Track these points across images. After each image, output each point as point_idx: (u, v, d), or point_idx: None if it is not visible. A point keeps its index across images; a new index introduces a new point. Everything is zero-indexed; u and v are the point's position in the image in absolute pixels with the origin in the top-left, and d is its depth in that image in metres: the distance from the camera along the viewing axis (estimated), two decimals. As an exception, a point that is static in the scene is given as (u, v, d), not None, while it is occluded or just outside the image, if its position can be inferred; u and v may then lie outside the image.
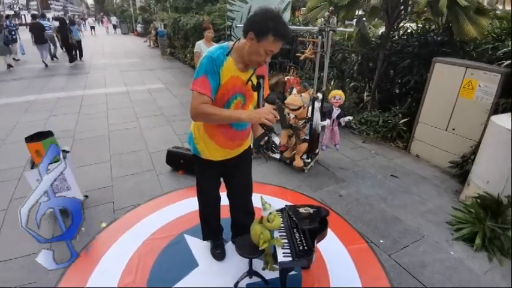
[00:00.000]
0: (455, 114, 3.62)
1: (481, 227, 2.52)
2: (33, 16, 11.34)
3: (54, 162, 2.23)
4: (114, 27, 29.31)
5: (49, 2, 51.34)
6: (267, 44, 1.52)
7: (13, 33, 10.63)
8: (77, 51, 11.54)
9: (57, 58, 11.85)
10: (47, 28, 10.41)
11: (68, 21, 11.29)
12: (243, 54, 1.61)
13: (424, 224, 2.79)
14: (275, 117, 1.55)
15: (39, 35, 9.94)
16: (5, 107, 6.07)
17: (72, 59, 10.94)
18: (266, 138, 1.68)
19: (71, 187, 2.66)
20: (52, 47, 11.59)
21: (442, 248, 2.50)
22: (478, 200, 2.73)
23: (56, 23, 11.60)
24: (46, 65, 10.29)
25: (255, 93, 1.71)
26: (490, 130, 2.85)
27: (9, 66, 9.85)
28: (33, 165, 2.59)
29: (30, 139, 2.53)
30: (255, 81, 1.68)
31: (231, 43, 1.68)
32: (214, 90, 1.61)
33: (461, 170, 3.48)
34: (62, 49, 12.13)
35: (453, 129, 3.66)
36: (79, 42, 11.47)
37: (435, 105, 3.81)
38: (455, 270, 2.29)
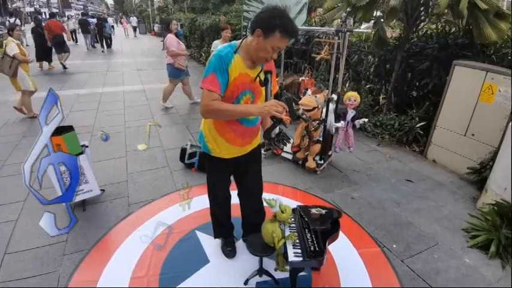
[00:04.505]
0: (474, 119, 3.53)
1: (496, 234, 2.46)
2: (83, 14, 16.89)
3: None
4: (134, 29, 25.58)
5: (70, 1, 52.89)
6: (274, 40, 1.54)
7: None
8: (107, 42, 15.57)
9: (94, 47, 15.85)
10: (91, 23, 14.75)
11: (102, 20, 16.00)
12: (250, 51, 1.63)
13: (439, 230, 2.73)
14: (284, 108, 1.55)
15: (84, 28, 14.63)
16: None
17: (104, 46, 15.35)
18: (277, 130, 1.68)
19: (89, 180, 2.75)
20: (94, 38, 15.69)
21: (457, 255, 2.44)
22: (495, 208, 2.65)
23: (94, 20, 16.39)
24: (88, 49, 15.07)
25: (263, 89, 1.72)
26: (508, 136, 2.76)
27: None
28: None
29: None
30: (262, 77, 1.70)
31: (238, 41, 1.69)
32: (224, 87, 1.62)
33: (479, 176, 3.39)
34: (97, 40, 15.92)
35: (472, 134, 3.56)
36: (110, 35, 15.81)
37: (454, 109, 3.72)
38: (469, 278, 2.24)
